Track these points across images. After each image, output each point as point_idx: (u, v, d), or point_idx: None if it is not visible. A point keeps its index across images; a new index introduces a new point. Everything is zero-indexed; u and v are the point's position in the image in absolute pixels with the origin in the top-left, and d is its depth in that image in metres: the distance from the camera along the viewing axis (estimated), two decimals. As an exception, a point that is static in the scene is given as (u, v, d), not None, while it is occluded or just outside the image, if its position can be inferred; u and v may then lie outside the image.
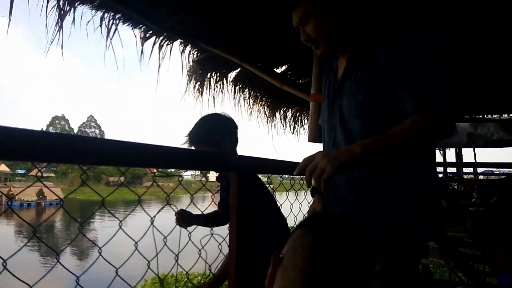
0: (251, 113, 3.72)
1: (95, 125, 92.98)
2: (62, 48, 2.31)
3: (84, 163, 0.82)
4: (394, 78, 1.20)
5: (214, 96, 3.19)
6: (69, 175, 68.39)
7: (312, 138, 1.67)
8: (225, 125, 1.85)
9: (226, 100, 3.29)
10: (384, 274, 1.15)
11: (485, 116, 5.75)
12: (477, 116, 5.76)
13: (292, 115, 4.39)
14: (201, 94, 3.10)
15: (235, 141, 1.93)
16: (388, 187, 1.25)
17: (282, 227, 2.07)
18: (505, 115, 5.66)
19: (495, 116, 5.72)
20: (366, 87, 1.27)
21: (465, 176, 7.45)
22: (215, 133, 1.81)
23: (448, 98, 1.13)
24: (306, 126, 4.19)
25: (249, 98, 3.49)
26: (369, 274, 0.71)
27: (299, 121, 4.40)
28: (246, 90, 3.48)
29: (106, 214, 27.96)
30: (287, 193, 1.79)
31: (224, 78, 3.26)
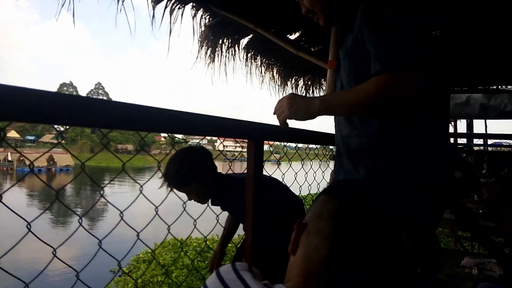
0: (262, 81, 3.68)
1: (102, 92, 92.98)
2: (73, 13, 2.26)
3: (105, 127, 0.81)
4: (366, 43, 1.18)
5: (225, 63, 3.13)
6: (78, 142, 69.12)
7: None
8: (200, 160, 1.81)
9: (237, 67, 3.23)
10: None
11: (499, 87, 5.63)
12: (491, 87, 5.64)
13: (304, 84, 4.33)
14: (213, 61, 3.04)
15: (213, 169, 1.93)
16: (382, 160, 1.25)
17: (295, 201, 2.12)
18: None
19: (509, 87, 5.60)
20: (350, 56, 1.28)
21: (475, 148, 7.40)
22: (194, 173, 1.79)
23: (410, 58, 1.08)
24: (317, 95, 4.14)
25: (260, 66, 3.42)
26: (394, 243, 0.70)
27: (311, 90, 4.33)
28: (258, 57, 3.40)
29: (116, 181, 28.40)
30: (302, 162, 1.79)
31: (236, 45, 3.19)
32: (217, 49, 3.06)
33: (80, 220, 0.91)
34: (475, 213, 3.71)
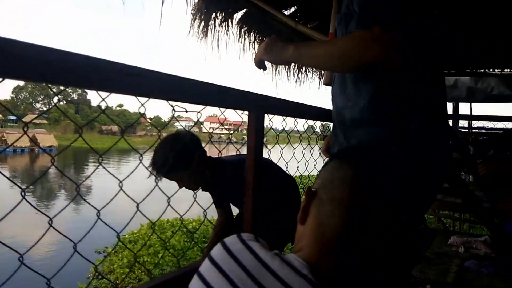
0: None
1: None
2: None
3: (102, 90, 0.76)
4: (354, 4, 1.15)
5: (218, 38, 3.05)
6: (62, 123, 67.96)
7: (328, 81, 1.61)
8: (188, 147, 1.75)
9: (230, 43, 3.15)
10: None
11: (487, 70, 5.66)
12: (478, 70, 5.68)
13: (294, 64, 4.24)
14: (206, 35, 2.96)
15: (203, 155, 1.89)
16: (374, 134, 1.23)
17: (291, 181, 2.10)
18: (507, 70, 5.57)
19: (496, 70, 5.63)
20: (343, 21, 1.25)
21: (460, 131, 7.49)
22: (183, 161, 1.73)
23: (388, 17, 1.04)
24: (310, 74, 4.07)
25: (254, 42, 3.35)
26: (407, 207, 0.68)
27: (303, 68, 4.26)
28: (252, 33, 3.33)
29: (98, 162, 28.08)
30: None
31: (230, 19, 3.10)
32: (210, 22, 2.98)
33: (77, 189, 0.86)
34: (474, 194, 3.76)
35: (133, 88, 0.76)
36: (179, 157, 1.70)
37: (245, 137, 1.29)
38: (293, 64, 4.21)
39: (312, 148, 1.97)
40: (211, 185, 1.96)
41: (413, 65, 1.15)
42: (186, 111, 0.92)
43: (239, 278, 0.60)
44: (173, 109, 0.91)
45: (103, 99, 0.72)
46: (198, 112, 0.97)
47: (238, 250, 0.65)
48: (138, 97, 0.78)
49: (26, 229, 8.27)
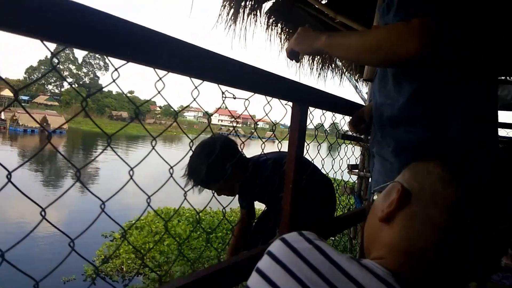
0: (281, 50, 3.53)
1: (99, 56, 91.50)
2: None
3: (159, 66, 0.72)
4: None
5: (246, 27, 3.00)
6: (73, 105, 68.44)
7: (370, 76, 1.56)
8: (227, 156, 1.59)
9: (257, 33, 3.10)
10: None
11: (508, 78, 5.55)
12: (498, 78, 5.57)
13: (320, 58, 4.17)
14: (234, 23, 2.91)
15: (242, 161, 1.77)
16: (409, 134, 1.18)
17: (328, 181, 2.05)
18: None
19: (516, 78, 5.53)
20: (384, 12, 1.15)
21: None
22: (222, 172, 1.54)
23: (428, 7, 0.94)
24: (330, 71, 4.01)
25: (281, 33, 3.30)
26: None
27: (327, 62, 4.19)
28: (279, 24, 3.28)
29: (108, 147, 28.25)
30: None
31: (259, 9, 3.06)
32: (239, 10, 2.92)
33: (78, 173, 0.82)
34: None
35: (190, 69, 0.72)
36: (217, 168, 1.57)
37: (253, 131, 1.25)
38: (319, 56, 4.15)
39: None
40: (245, 187, 1.88)
41: (454, 65, 1.09)
42: (234, 98, 0.88)
43: (311, 280, 0.56)
44: (223, 95, 0.87)
45: (160, 79, 0.68)
46: (246, 99, 0.93)
47: (305, 249, 0.60)
48: (192, 79, 0.74)
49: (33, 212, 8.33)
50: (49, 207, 0.66)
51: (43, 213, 0.66)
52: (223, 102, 0.88)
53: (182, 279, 0.87)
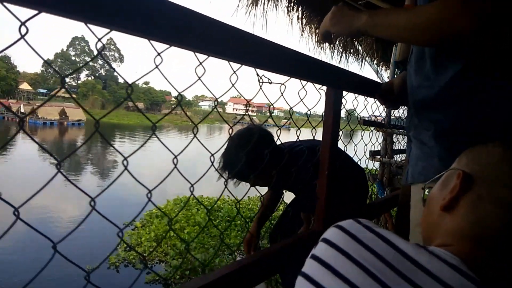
0: (302, 35, 3.48)
1: (114, 48, 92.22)
2: None
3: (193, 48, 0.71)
4: None
5: (267, 12, 2.95)
6: (90, 97, 69.33)
7: (404, 57, 1.52)
8: (264, 148, 1.48)
9: (278, 17, 3.04)
10: None
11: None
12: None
13: (342, 42, 4.09)
14: (255, 5, 2.85)
15: (277, 152, 1.68)
16: (449, 116, 1.13)
17: (360, 169, 2.02)
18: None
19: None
20: None
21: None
22: (259, 165, 1.47)
23: None
24: (351, 56, 3.94)
25: (302, 18, 3.24)
26: None
27: (348, 47, 4.10)
28: (300, 8, 3.22)
29: (126, 138, 28.62)
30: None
31: (279, -9, 3.00)
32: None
33: (58, 166, 0.82)
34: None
35: (229, 52, 0.70)
36: (256, 159, 1.48)
37: (270, 119, 1.22)
38: (343, 39, 4.04)
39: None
40: (278, 177, 1.85)
41: (501, 42, 1.05)
42: (270, 83, 0.86)
43: (377, 268, 0.53)
44: (260, 79, 0.85)
45: (201, 63, 0.67)
46: (282, 84, 0.91)
47: (367, 238, 0.58)
48: (232, 62, 0.73)
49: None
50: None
51: (93, 202, 0.66)
52: (260, 88, 0.87)
53: (205, 277, 0.85)
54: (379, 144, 3.80)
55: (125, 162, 0.64)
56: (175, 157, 0.70)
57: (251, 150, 1.50)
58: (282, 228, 2.18)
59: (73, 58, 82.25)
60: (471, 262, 0.56)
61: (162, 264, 5.41)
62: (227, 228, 6.64)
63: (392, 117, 3.74)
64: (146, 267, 4.86)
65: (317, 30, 3.57)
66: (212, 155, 0.80)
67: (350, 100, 1.41)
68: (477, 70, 1.07)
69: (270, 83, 0.88)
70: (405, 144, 3.40)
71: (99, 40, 0.57)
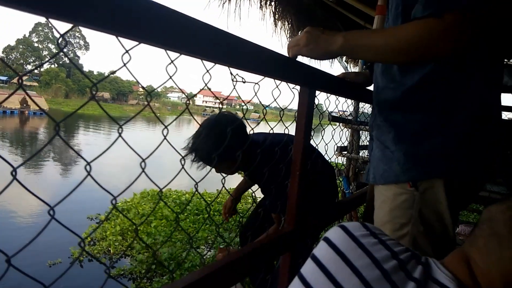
0: (274, 30, 3.45)
1: (79, 35, 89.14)
2: None
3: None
4: None
5: (240, 6, 2.91)
6: (53, 86, 66.77)
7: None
8: (235, 136, 1.56)
9: (252, 12, 3.01)
10: None
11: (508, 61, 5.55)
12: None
13: None
14: (229, 1, 2.81)
15: (247, 141, 1.71)
16: (413, 117, 1.15)
17: (330, 168, 2.05)
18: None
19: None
20: (398, 3, 1.11)
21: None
22: (228, 152, 1.51)
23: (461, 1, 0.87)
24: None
25: (275, 13, 3.22)
26: None
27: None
28: (273, 3, 3.19)
29: (90, 129, 27.80)
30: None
31: (251, -14, 2.97)
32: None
33: (13, 173, 0.79)
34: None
35: (200, 51, 0.67)
36: (223, 147, 1.50)
37: (238, 112, 1.21)
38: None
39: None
40: (246, 166, 1.87)
41: (479, 56, 1.07)
42: (244, 82, 0.84)
43: (372, 277, 0.53)
44: (234, 78, 0.83)
45: (172, 61, 0.64)
46: (256, 83, 0.90)
47: (370, 243, 0.58)
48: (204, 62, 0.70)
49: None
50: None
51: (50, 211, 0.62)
52: (234, 87, 0.85)
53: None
54: (347, 140, 3.87)
55: (87, 168, 0.61)
56: (143, 160, 0.67)
57: (214, 130, 1.58)
58: (253, 228, 2.20)
59: (35, 44, 78.87)
60: (466, 286, 0.57)
61: (128, 258, 5.31)
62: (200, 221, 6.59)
63: (359, 113, 3.81)
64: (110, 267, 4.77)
65: (289, 25, 3.58)
66: (183, 157, 0.78)
67: (322, 99, 1.42)
68: (443, 76, 1.09)
69: (244, 82, 0.86)
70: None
71: (62, 36, 0.54)
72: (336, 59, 4.69)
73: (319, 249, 0.60)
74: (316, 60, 4.06)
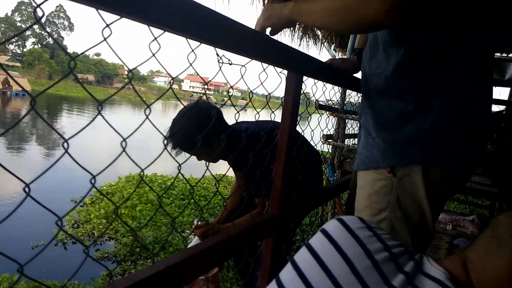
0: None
1: (64, 16, 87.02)
2: None
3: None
4: None
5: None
6: (36, 67, 65.26)
7: (362, 45, 1.54)
8: (210, 123, 1.52)
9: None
10: None
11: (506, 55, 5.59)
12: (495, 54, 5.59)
13: (300, 26, 4.04)
14: None
15: (225, 129, 1.77)
16: (393, 105, 1.15)
17: (316, 154, 2.05)
18: (497, 54, 5.54)
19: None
20: None
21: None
22: (204, 139, 1.57)
23: None
24: (311, 40, 3.95)
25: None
26: None
27: (307, 32, 4.09)
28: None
29: (74, 111, 27.36)
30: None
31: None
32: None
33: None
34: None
35: (189, 29, 0.66)
36: (199, 134, 1.47)
37: (225, 98, 1.20)
38: (296, 26, 4.05)
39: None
40: (229, 155, 1.87)
41: (443, 34, 1.06)
42: (230, 64, 0.83)
43: (363, 266, 0.53)
44: (220, 59, 0.82)
45: (155, 38, 0.63)
46: (242, 66, 0.88)
47: (365, 236, 0.58)
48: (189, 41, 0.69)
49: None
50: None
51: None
52: (220, 69, 0.84)
53: (143, 271, 0.82)
54: (333, 127, 3.89)
55: (65, 145, 0.59)
56: (124, 140, 0.66)
57: (191, 118, 1.60)
58: (236, 212, 2.20)
59: (18, 24, 76.70)
60: (458, 280, 0.57)
61: (112, 241, 5.29)
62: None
63: (345, 102, 3.83)
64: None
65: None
66: (166, 138, 0.77)
67: (310, 85, 1.42)
68: (418, 60, 1.09)
69: (230, 64, 0.85)
70: (357, 129, 3.51)
71: (38, 6, 0.52)
72: (325, 47, 4.69)
73: (314, 239, 0.61)
74: (303, 46, 4.05)
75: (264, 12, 1.15)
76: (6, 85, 36.82)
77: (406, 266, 0.55)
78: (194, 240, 1.97)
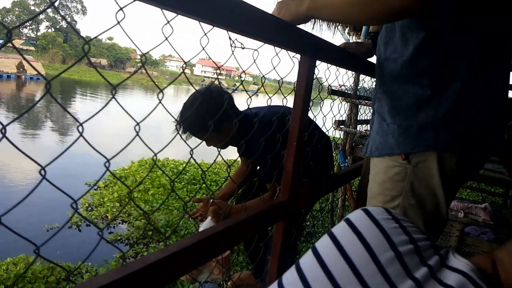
0: None
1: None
2: None
3: None
4: None
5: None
6: (50, 51, 65.70)
7: (377, 29, 1.51)
8: (220, 107, 1.48)
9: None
10: None
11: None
12: None
13: None
14: None
15: (236, 114, 1.79)
16: (408, 91, 1.14)
17: (328, 140, 2.05)
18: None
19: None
20: None
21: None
22: (214, 122, 1.52)
23: None
24: (325, 24, 3.89)
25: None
26: None
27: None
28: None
29: (87, 96, 27.57)
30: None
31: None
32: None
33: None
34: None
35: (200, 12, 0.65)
36: (209, 117, 1.48)
37: (237, 83, 1.19)
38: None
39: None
40: (239, 141, 1.89)
41: (464, 16, 1.04)
42: (243, 48, 0.82)
43: (387, 258, 0.53)
44: (233, 43, 0.81)
45: (168, 22, 0.63)
46: (255, 50, 0.88)
47: (390, 227, 0.57)
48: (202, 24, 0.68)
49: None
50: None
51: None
52: (233, 53, 0.83)
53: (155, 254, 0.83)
54: (345, 113, 3.85)
55: (80, 128, 0.60)
56: (137, 124, 0.66)
57: (204, 103, 1.61)
58: (247, 198, 2.21)
59: (32, 7, 77.04)
60: (484, 273, 0.57)
61: (125, 224, 5.38)
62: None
63: (359, 88, 3.79)
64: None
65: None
66: (178, 122, 0.77)
67: (322, 70, 1.40)
68: (437, 44, 1.07)
69: (243, 48, 0.84)
70: (370, 115, 3.47)
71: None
72: (338, 30, 4.62)
73: (338, 227, 0.60)
74: (316, 30, 3.99)
75: (278, 10, 1.11)
76: (21, 69, 37.20)
77: (430, 260, 0.55)
78: (207, 221, 2.00)
